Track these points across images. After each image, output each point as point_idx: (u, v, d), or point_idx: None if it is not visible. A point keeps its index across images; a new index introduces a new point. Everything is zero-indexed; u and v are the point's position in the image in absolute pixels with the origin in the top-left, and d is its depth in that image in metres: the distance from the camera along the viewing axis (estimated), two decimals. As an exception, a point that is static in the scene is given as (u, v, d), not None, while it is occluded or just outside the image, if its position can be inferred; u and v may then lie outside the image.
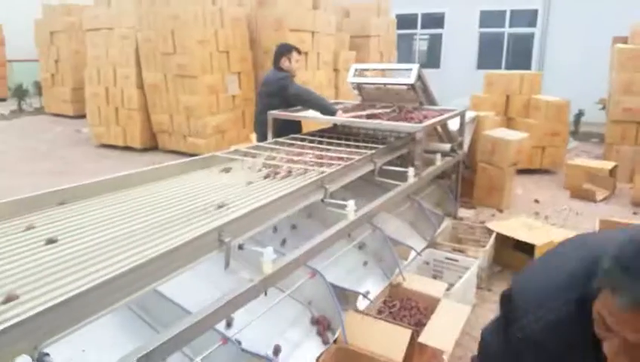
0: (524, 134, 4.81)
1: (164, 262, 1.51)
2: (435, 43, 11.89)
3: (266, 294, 1.85)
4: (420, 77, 3.68)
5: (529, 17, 10.61)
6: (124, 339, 1.75)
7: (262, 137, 3.73)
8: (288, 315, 2.16)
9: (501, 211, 4.66)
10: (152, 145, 7.44)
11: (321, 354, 2.01)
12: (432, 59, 11.82)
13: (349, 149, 3.01)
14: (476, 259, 3.06)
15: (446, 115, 3.47)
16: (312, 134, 3.49)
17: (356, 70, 3.87)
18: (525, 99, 5.94)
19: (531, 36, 10.58)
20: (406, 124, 3.05)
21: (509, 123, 6.02)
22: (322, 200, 2.36)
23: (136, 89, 7.15)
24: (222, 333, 1.75)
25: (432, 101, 3.92)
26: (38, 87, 11.24)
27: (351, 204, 2.29)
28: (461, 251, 3.24)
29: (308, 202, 2.27)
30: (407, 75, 3.68)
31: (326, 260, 2.46)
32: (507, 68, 10.44)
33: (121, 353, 1.32)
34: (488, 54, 10.98)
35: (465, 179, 4.92)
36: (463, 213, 4.60)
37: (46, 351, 1.17)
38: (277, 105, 3.66)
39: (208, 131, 6.75)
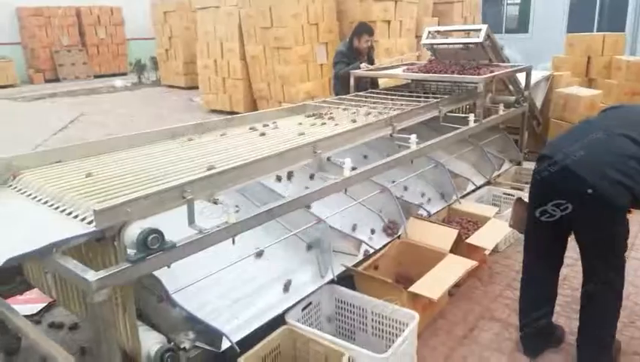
0: (597, 91, 4.98)
1: (275, 160, 2.24)
2: (524, 8, 11.63)
3: (345, 192, 2.56)
4: (488, 36, 4.08)
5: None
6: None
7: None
8: (365, 217, 2.84)
9: (570, 165, 4.92)
10: (253, 110, 8.43)
11: (387, 244, 2.68)
12: (521, 24, 11.61)
13: (419, 100, 3.58)
14: (530, 194, 3.51)
15: (509, 70, 3.87)
16: (387, 89, 4.09)
17: (430, 32, 4.35)
18: (607, 60, 5.96)
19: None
20: (468, 76, 3.53)
21: (590, 84, 6.09)
22: (390, 135, 2.98)
23: (239, 61, 8.13)
24: (317, 216, 2.46)
25: (501, 59, 4.29)
26: (154, 61, 12.84)
27: (413, 137, 2.89)
28: (519, 189, 3.69)
29: (379, 134, 2.91)
30: (477, 34, 4.09)
31: (392, 183, 3.09)
32: (599, 31, 10.02)
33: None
34: (579, 17, 10.58)
35: (536, 135, 5.22)
36: (532, 166, 4.94)
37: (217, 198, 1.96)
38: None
39: (300, 97, 7.54)
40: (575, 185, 1.95)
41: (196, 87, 10.47)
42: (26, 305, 2.73)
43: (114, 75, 14.12)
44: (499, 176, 3.84)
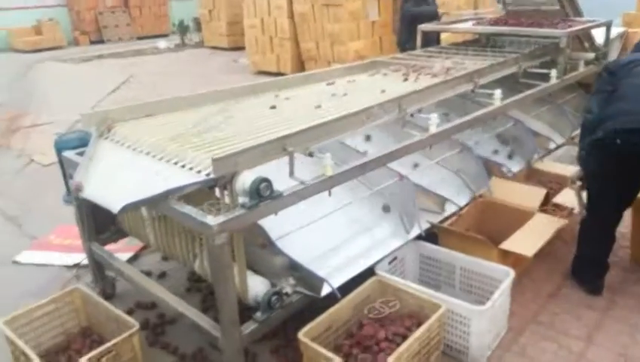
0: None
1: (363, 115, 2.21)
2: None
3: (430, 148, 2.51)
4: (567, -12, 3.85)
5: None
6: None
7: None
8: (444, 177, 2.78)
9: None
10: (300, 71, 8.34)
11: (468, 203, 2.64)
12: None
13: (494, 55, 3.43)
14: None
15: (588, 25, 3.65)
16: (457, 44, 3.94)
17: (503, -15, 4.14)
18: (686, 13, 5.55)
19: None
20: (551, 30, 3.35)
21: (664, 40, 5.70)
22: (472, 91, 2.89)
23: (287, 19, 7.99)
24: (399, 173, 2.43)
25: (578, 12, 4.05)
26: (197, 22, 12.80)
27: (498, 92, 2.79)
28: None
29: (461, 90, 2.82)
30: (555, -13, 3.86)
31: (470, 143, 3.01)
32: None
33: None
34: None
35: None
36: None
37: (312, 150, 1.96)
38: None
39: (350, 56, 7.39)
40: None
41: (239, 49, 10.42)
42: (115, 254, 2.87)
43: (156, 37, 14.17)
44: (574, 137, 3.69)
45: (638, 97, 2.15)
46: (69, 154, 2.33)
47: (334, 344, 1.97)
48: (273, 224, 2.03)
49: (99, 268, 2.46)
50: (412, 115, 2.52)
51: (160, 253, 2.78)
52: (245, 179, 1.67)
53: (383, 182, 2.41)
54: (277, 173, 1.81)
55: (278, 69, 8.36)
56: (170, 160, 1.89)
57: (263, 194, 1.65)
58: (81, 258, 2.72)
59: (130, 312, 2.33)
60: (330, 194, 1.99)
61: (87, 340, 2.08)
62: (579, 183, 2.37)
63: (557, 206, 2.62)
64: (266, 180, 1.67)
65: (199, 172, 1.75)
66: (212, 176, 1.65)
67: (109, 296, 2.51)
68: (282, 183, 1.79)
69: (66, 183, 2.39)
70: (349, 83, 3.02)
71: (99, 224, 2.46)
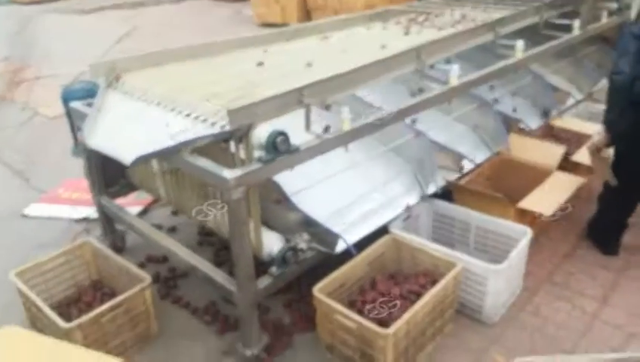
0: None
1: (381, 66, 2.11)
2: None
3: (449, 103, 2.41)
4: None
5: None
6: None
7: None
8: (460, 133, 2.70)
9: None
10: (307, 22, 8.06)
11: (484, 161, 2.57)
12: None
13: (515, 4, 3.26)
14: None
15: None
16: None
17: None
18: None
19: None
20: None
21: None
22: (493, 41, 2.75)
23: (293, -34, 7.65)
24: (415, 129, 2.35)
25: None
26: (200, -28, 12.30)
27: (520, 43, 2.65)
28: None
29: (480, 41, 2.68)
30: None
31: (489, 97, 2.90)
32: None
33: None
34: None
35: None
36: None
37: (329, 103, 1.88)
38: None
39: (359, 4, 7.09)
40: None
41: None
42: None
43: (158, -13, 13.68)
44: (593, 93, 3.57)
45: None
46: (76, 104, 2.25)
47: (348, 300, 1.96)
48: (287, 180, 1.98)
49: (108, 221, 2.44)
50: (432, 67, 2.42)
51: (170, 207, 2.75)
52: (261, 132, 1.60)
53: (398, 139, 2.34)
54: (290, 127, 1.74)
55: (284, 20, 8.07)
56: (182, 111, 1.82)
57: (279, 148, 1.59)
58: (91, 211, 2.70)
59: (141, 266, 2.33)
60: (347, 150, 1.92)
61: (99, 293, 2.08)
62: (605, 151, 2.27)
63: (575, 163, 2.55)
64: (283, 133, 1.60)
65: (213, 124, 1.68)
66: (227, 128, 1.58)
67: (119, 249, 2.50)
68: (297, 138, 1.72)
69: (74, 135, 2.32)
70: (346, 37, 2.88)
71: (108, 177, 2.42)
